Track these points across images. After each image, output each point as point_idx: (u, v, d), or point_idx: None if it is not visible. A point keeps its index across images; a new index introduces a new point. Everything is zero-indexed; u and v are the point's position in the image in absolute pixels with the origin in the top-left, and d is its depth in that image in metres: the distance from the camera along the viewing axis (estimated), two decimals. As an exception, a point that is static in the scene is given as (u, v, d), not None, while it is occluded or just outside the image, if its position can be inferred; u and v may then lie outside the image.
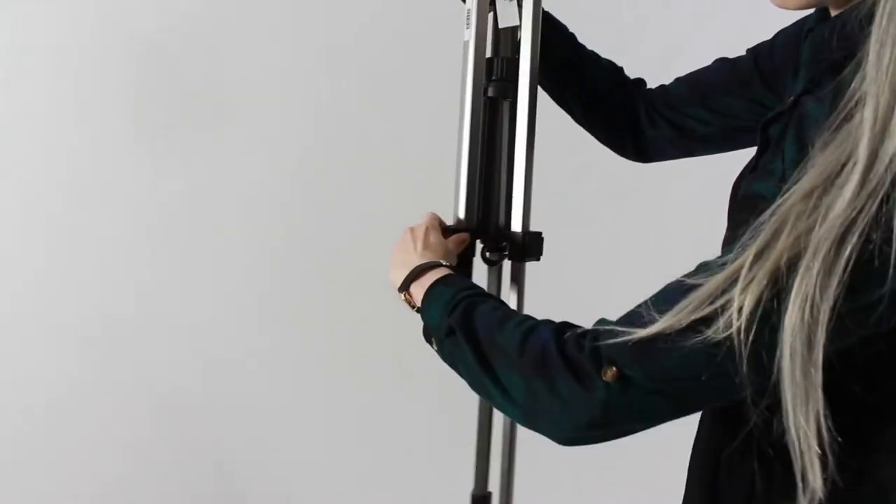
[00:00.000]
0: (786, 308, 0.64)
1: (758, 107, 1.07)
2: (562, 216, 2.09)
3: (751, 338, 0.65)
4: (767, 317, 0.65)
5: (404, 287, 0.99)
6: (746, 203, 0.80)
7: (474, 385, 0.85)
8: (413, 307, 0.99)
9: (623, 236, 2.17)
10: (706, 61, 1.15)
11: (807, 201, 0.65)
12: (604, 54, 1.24)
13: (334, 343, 2.14)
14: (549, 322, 0.81)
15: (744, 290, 0.66)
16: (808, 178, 0.66)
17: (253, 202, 2.12)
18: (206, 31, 2.07)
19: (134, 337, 2.11)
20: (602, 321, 0.76)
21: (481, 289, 0.93)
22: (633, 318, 0.73)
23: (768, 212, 0.67)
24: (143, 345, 2.11)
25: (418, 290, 0.97)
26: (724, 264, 0.69)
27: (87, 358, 2.10)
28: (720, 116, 1.11)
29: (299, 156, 2.12)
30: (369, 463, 1.90)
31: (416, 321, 1.04)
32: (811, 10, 0.87)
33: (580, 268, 2.09)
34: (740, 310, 0.65)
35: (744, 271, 0.66)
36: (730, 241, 0.84)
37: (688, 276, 0.74)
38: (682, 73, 1.18)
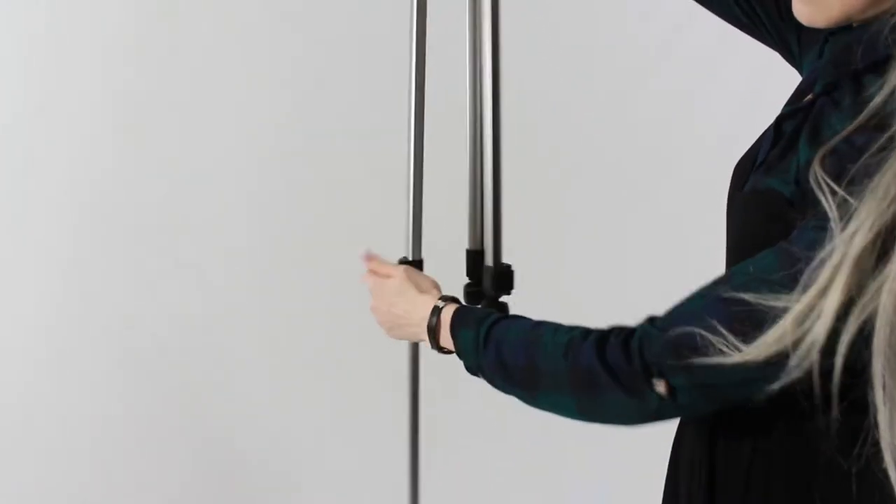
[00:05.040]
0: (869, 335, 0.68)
1: (780, 39, 0.99)
2: (558, 217, 2.06)
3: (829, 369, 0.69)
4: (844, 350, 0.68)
5: (436, 346, 0.97)
6: (757, 198, 0.82)
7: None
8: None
9: (620, 235, 2.13)
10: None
11: (872, 245, 0.68)
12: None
13: (333, 339, 2.06)
14: (585, 333, 0.81)
15: (822, 324, 0.68)
16: (865, 229, 0.68)
17: (244, 197, 2.02)
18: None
19: (132, 334, 2.00)
20: (647, 329, 0.77)
21: (497, 314, 0.91)
22: (695, 343, 0.72)
23: (829, 248, 0.69)
24: (142, 343, 2.01)
25: (445, 337, 0.95)
26: (783, 284, 0.70)
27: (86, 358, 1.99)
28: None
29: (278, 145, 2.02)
30: (371, 459, 1.88)
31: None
32: None
33: (575, 268, 2.08)
34: (814, 343, 0.68)
35: (827, 308, 0.68)
36: (737, 242, 0.83)
37: (739, 287, 0.73)
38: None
